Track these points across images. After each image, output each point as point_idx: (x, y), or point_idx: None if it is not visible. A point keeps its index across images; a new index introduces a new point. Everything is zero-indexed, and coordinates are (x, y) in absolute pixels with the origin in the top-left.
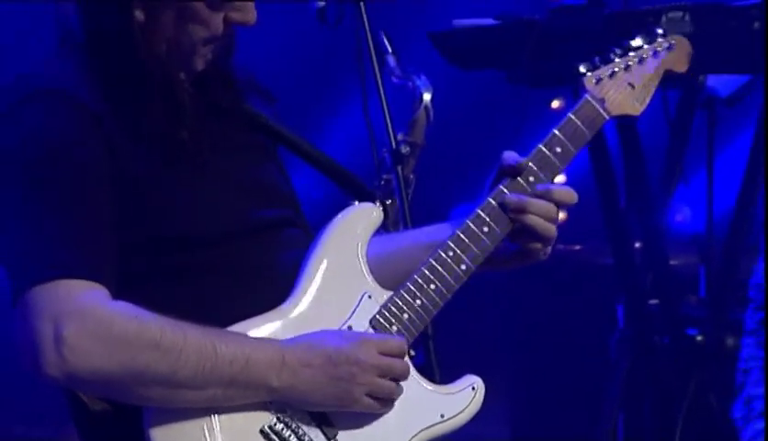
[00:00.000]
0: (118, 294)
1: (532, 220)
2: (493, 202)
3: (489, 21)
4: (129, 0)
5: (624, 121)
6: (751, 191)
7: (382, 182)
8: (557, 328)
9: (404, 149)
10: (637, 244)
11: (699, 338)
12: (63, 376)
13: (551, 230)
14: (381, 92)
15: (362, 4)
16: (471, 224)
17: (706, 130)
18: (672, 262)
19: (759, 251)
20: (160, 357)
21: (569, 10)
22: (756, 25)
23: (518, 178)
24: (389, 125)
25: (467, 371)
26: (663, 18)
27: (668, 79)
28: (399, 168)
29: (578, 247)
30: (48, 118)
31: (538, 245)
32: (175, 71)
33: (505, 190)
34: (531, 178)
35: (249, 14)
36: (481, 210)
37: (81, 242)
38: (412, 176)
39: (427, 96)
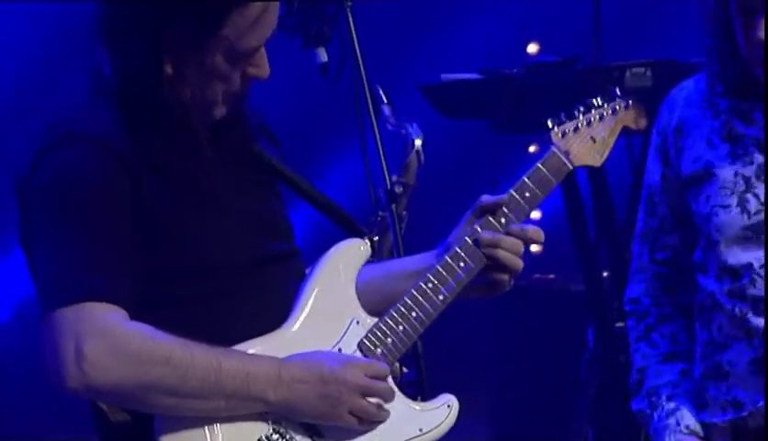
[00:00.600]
0: (135, 316)
1: (502, 254)
2: (469, 241)
3: (473, 76)
4: (161, 55)
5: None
6: None
7: (378, 218)
8: (535, 347)
9: (398, 189)
10: (605, 273)
11: None
12: (83, 388)
13: (519, 263)
14: (377, 138)
15: (360, 58)
16: (449, 260)
17: None
18: None
19: (630, 272)
20: (170, 372)
21: (544, 66)
22: None
23: (491, 219)
24: (385, 167)
25: (455, 385)
26: (628, 73)
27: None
28: (393, 206)
29: (552, 276)
30: (78, 158)
31: (505, 277)
32: (196, 118)
33: (479, 230)
34: (503, 220)
35: (264, 70)
36: (459, 248)
37: (103, 268)
38: (404, 213)
39: (418, 142)
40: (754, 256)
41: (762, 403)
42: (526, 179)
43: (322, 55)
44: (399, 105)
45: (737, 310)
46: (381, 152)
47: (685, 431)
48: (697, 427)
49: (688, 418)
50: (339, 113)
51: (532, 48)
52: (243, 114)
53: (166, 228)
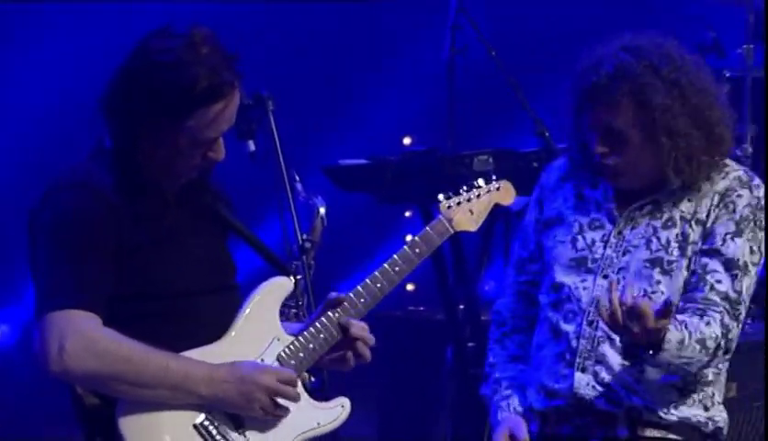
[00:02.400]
0: (109, 324)
1: (359, 346)
2: (332, 315)
3: (362, 161)
4: (139, 134)
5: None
6: None
7: (293, 266)
8: (408, 362)
9: (307, 245)
10: (460, 307)
11: None
12: (62, 372)
13: (367, 355)
14: (292, 206)
15: (279, 148)
16: (324, 318)
17: (503, 232)
18: (482, 317)
19: (501, 289)
20: (129, 367)
21: (415, 154)
22: (535, 164)
23: (337, 312)
24: (297, 228)
25: (348, 391)
26: (475, 160)
27: None
28: (303, 257)
29: (422, 308)
30: (75, 201)
31: (351, 359)
32: (165, 181)
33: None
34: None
35: (220, 154)
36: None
37: (85, 284)
38: (312, 263)
39: (322, 210)
40: (572, 280)
41: (565, 385)
42: (417, 238)
43: (251, 146)
44: (308, 181)
45: (554, 318)
46: (295, 216)
47: (513, 412)
48: (520, 410)
49: (516, 403)
50: (263, 187)
51: (406, 140)
52: (207, 181)
53: (138, 260)
